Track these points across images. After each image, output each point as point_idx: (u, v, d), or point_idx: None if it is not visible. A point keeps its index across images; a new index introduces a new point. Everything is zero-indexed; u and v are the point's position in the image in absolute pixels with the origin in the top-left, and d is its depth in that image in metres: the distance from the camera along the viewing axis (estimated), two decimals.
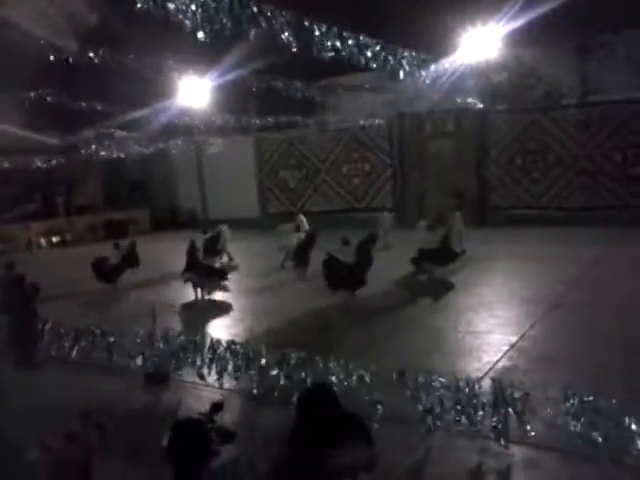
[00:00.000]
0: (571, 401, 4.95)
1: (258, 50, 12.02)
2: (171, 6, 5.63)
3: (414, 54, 10.40)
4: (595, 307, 10.30)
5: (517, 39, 14.39)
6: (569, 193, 21.02)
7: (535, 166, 21.64)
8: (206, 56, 14.17)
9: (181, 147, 20.65)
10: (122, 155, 18.22)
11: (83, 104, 15.60)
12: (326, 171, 26.39)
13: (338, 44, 8.17)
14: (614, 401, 4.76)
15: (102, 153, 17.65)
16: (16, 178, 23.72)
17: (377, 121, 22.62)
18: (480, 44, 13.55)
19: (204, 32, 6.11)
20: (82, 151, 17.80)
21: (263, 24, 6.67)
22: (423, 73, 11.90)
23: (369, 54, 8.99)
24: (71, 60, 10.32)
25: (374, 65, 9.30)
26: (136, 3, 5.41)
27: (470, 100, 20.01)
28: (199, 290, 12.86)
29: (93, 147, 17.77)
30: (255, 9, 6.50)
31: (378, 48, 9.21)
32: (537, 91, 20.46)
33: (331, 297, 12.05)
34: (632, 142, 19.73)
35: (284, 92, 15.84)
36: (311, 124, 21.32)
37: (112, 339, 7.70)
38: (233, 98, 20.46)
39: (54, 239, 26.35)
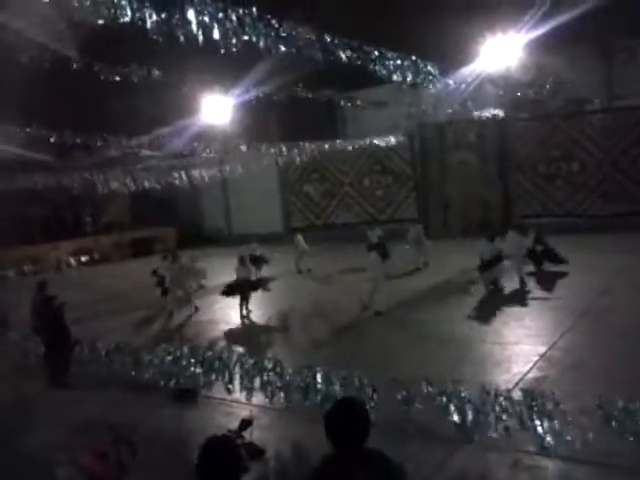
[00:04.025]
0: (605, 411, 4.86)
1: (279, 67, 12.17)
2: (194, 24, 5.68)
3: (435, 64, 10.40)
4: (624, 315, 10.10)
5: (539, 46, 14.33)
6: (594, 200, 20.74)
7: (559, 174, 21.40)
8: (228, 74, 14.37)
9: (206, 164, 20.83)
10: (148, 181, 18.34)
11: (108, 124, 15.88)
12: (349, 184, 26.43)
13: (359, 57, 8.21)
14: None
15: (128, 180, 17.77)
16: (44, 198, 24.14)
17: (400, 138, 22.57)
18: (501, 52, 13.51)
19: (226, 49, 6.17)
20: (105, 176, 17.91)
21: (284, 41, 6.72)
22: (444, 83, 11.89)
23: (390, 66, 9.02)
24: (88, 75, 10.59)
25: (395, 76, 9.32)
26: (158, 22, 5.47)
27: (492, 110, 19.94)
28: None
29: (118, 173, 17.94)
30: (276, 26, 6.56)
31: (399, 60, 9.23)
32: (560, 98, 20.30)
33: (359, 310, 12.14)
34: None
35: (306, 106, 15.96)
36: (334, 141, 21.34)
37: (142, 356, 7.77)
38: (256, 114, 20.68)
39: (82, 258, 26.76)
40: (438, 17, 16.25)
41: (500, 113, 20.77)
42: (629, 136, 19.85)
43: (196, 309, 13.87)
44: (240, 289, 13.10)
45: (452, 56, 11.88)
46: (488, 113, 20.38)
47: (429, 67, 10.07)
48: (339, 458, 2.93)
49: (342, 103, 19.26)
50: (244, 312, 12.98)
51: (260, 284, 14.06)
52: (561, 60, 18.95)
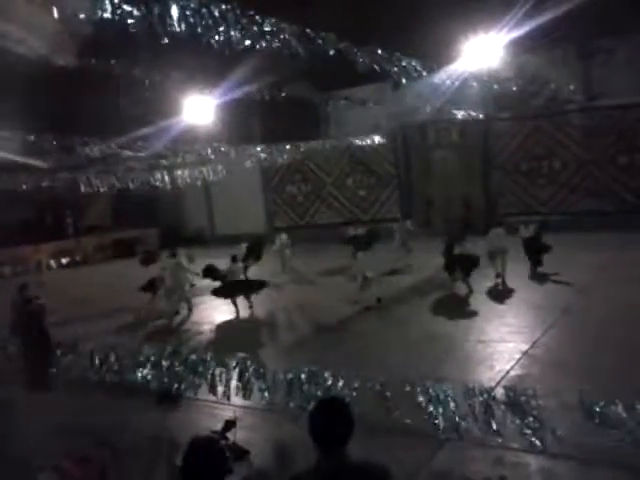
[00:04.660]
0: (586, 408, 4.90)
1: (262, 66, 12.13)
2: (175, 21, 5.59)
3: (417, 63, 10.42)
4: (605, 313, 10.22)
5: (519, 46, 14.44)
6: (575, 198, 20.95)
7: (541, 172, 21.60)
8: (211, 73, 14.31)
9: (188, 165, 20.69)
10: (130, 182, 18.17)
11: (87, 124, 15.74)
12: (332, 184, 26.43)
13: (343, 54, 8.19)
14: (628, 406, 4.71)
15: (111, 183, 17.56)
16: (25, 199, 23.84)
17: (383, 138, 22.56)
18: (482, 52, 13.59)
19: (208, 46, 6.10)
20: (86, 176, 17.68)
21: (267, 37, 6.67)
22: (426, 82, 11.93)
23: (372, 63, 9.01)
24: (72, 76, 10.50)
25: (378, 70, 9.31)
26: (139, 19, 5.38)
27: (474, 110, 20.05)
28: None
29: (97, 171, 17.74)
30: (259, 21, 6.50)
31: (381, 57, 9.22)
32: (541, 97, 20.48)
33: (342, 309, 12.17)
34: (637, 145, 19.68)
35: (289, 106, 15.94)
36: (317, 141, 21.29)
37: (124, 359, 7.69)
38: (238, 114, 20.59)
39: (64, 260, 26.49)
40: (419, 16, 16.31)
41: (479, 114, 20.86)
42: (609, 135, 20.09)
43: (177, 313, 13.72)
44: (232, 289, 13.05)
45: (434, 55, 11.91)
46: (470, 113, 20.48)
47: (413, 63, 10.08)
48: (321, 470, 2.91)
49: (324, 103, 19.28)
50: (249, 309, 12.94)
51: (258, 285, 13.67)
52: (541, 60, 19.12)
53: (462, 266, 12.96)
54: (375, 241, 16.92)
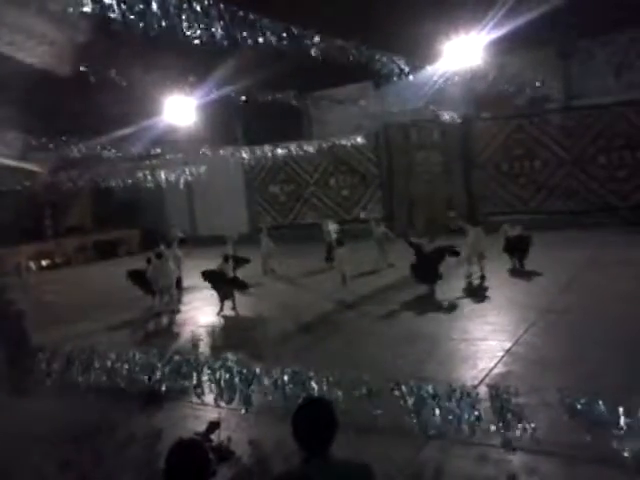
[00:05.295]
0: (567, 405, 4.95)
1: (245, 67, 12.10)
2: (161, 20, 5.54)
3: (400, 61, 10.45)
4: (586, 311, 10.31)
5: (500, 46, 14.55)
6: (556, 198, 21.16)
7: (522, 172, 21.79)
8: (193, 74, 14.24)
9: (170, 165, 20.57)
10: (111, 181, 18.03)
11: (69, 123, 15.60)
12: (315, 184, 26.42)
13: (325, 51, 8.18)
14: (609, 403, 4.76)
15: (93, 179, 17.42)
16: (3, 200, 23.51)
17: (365, 138, 22.57)
18: (463, 52, 13.67)
19: (191, 43, 6.05)
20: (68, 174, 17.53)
21: (251, 33, 6.64)
22: (408, 82, 11.96)
23: (355, 61, 9.02)
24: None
25: (361, 65, 9.32)
26: (125, 20, 5.32)
27: (454, 110, 20.16)
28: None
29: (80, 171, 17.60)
30: (242, 17, 6.46)
31: (364, 55, 9.24)
32: (521, 97, 20.66)
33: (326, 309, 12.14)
34: (616, 145, 19.94)
35: (271, 107, 15.92)
36: (299, 142, 21.26)
37: (108, 362, 7.63)
38: (220, 114, 20.51)
39: (44, 262, 26.15)
40: (401, 15, 16.36)
41: (460, 114, 20.95)
42: (588, 134, 20.33)
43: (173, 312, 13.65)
44: (224, 283, 13.04)
45: (415, 55, 11.96)
46: (451, 114, 20.58)
47: (398, 61, 10.10)
48: (304, 470, 2.90)
49: (306, 104, 19.27)
50: (232, 308, 12.91)
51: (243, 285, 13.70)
52: (522, 60, 19.29)
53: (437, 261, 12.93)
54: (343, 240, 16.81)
